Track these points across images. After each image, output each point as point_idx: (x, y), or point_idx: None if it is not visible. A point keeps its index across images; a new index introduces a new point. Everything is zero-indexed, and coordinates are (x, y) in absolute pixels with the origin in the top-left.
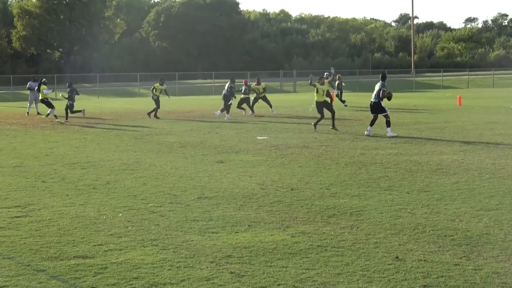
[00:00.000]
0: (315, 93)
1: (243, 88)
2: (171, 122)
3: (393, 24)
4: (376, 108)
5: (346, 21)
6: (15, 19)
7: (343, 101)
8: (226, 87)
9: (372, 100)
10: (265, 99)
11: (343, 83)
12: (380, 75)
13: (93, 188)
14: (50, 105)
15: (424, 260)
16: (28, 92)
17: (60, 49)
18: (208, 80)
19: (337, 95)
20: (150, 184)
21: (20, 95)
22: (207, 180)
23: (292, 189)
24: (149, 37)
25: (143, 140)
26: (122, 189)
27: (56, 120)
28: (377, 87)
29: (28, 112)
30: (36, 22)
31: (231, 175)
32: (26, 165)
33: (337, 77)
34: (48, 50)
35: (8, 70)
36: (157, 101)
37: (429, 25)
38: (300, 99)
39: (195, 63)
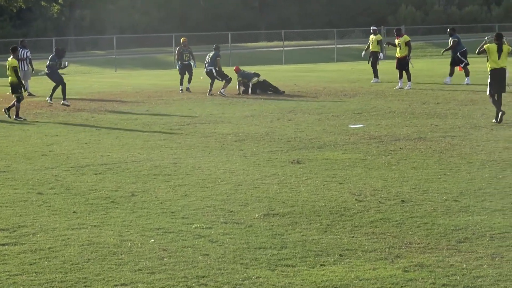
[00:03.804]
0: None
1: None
2: (222, 105)
3: None
4: None
5: None
6: None
7: None
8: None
9: None
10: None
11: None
12: None
13: (112, 202)
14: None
15: None
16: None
17: (60, 1)
18: (276, 43)
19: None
20: (194, 195)
21: (2, 68)
22: (278, 189)
23: (403, 201)
24: None
25: (182, 132)
26: (154, 204)
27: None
28: None
29: None
30: None
31: (313, 182)
32: (15, 169)
33: None
34: (42, 2)
35: None
36: None
37: None
38: (418, 68)
39: (257, 18)
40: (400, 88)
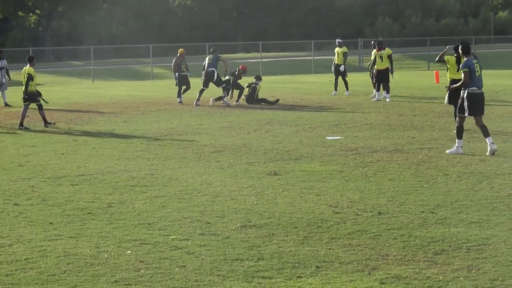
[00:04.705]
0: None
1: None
2: (200, 116)
3: None
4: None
5: None
6: None
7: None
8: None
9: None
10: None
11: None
12: (461, 48)
13: (89, 213)
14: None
15: None
16: None
17: (38, 11)
18: (253, 54)
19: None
20: (171, 207)
21: None
22: (255, 201)
23: (380, 213)
24: None
25: (159, 143)
26: (131, 215)
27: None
28: (479, 68)
29: None
30: None
31: (290, 193)
32: None
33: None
34: (19, 13)
35: None
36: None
37: None
38: (394, 80)
39: (234, 29)
40: (377, 100)
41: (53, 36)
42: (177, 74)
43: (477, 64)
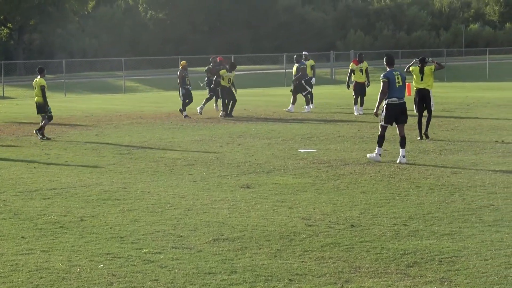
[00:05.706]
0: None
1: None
2: (172, 129)
3: None
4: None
5: None
6: None
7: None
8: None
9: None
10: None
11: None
12: (385, 59)
13: (61, 227)
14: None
15: None
16: None
17: (9, 25)
18: None
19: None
20: (143, 220)
21: None
22: (227, 214)
23: (352, 225)
24: (138, 5)
25: (131, 156)
26: (103, 229)
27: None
28: (400, 79)
29: None
30: None
31: (262, 206)
32: None
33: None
34: None
35: None
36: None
37: None
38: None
39: (206, 42)
40: (358, 114)
41: (25, 49)
42: (181, 87)
43: (399, 76)
